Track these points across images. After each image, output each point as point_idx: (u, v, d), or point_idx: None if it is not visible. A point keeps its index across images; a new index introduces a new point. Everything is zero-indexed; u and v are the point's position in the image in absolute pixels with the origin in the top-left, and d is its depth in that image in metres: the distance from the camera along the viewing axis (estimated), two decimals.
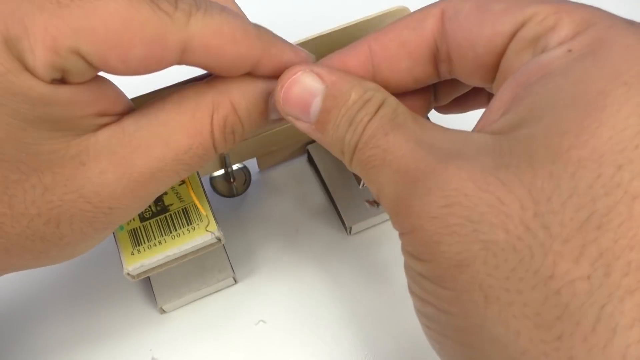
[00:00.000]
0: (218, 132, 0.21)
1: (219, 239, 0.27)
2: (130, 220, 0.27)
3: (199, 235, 0.27)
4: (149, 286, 0.33)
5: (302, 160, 0.37)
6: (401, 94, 0.23)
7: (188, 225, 0.27)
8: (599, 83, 0.15)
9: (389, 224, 0.35)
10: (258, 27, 0.21)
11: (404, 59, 0.21)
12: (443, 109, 0.26)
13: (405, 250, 0.18)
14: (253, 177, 0.36)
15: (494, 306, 0.15)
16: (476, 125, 0.19)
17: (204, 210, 0.27)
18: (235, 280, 0.33)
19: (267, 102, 0.22)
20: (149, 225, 0.27)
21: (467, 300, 0.16)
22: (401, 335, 0.31)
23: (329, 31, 0.28)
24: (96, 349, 0.32)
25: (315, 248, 0.34)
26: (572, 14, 0.17)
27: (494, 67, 0.20)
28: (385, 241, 0.34)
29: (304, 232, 0.35)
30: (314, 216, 0.35)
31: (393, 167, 0.18)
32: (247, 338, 0.32)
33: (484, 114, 0.19)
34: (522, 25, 0.18)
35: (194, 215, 0.27)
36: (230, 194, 0.35)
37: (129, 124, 0.20)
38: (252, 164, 0.36)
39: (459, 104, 0.25)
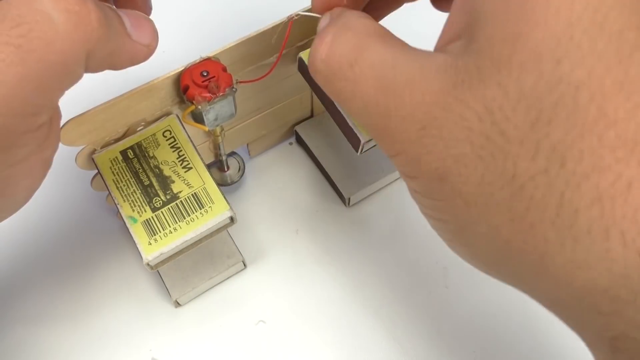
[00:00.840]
0: None
1: (232, 219, 0.28)
2: (142, 212, 0.27)
3: (213, 217, 0.27)
4: (150, 286, 0.33)
5: (290, 143, 0.38)
6: None
7: (201, 209, 0.27)
8: None
9: (386, 193, 0.36)
10: None
11: None
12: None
13: (399, 170, 0.20)
14: (245, 164, 0.37)
15: (473, 209, 0.17)
16: (439, 38, 0.20)
17: (214, 192, 0.27)
18: (244, 265, 0.33)
19: None
20: (161, 215, 0.27)
21: (452, 207, 0.18)
22: (402, 335, 0.32)
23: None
24: (96, 349, 0.32)
25: (316, 235, 0.35)
26: None
27: None
28: (385, 213, 0.35)
29: (304, 218, 0.35)
30: (311, 196, 0.36)
31: (364, 100, 0.19)
32: (247, 338, 0.32)
33: (444, 25, 0.20)
34: None
35: (205, 199, 0.27)
36: (225, 183, 0.36)
37: None
38: (241, 151, 0.37)
39: None
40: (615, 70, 0.15)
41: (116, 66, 0.23)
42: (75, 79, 0.21)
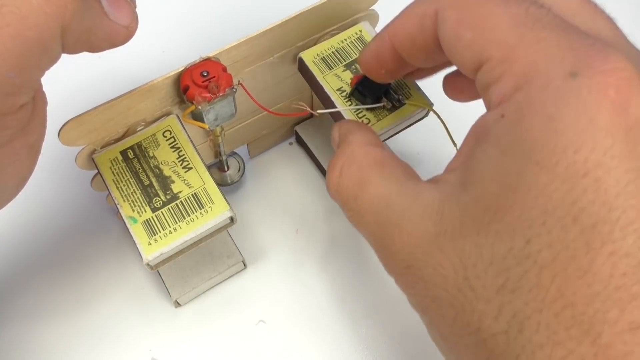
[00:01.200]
0: None
1: (232, 219, 0.28)
2: (142, 212, 0.27)
3: (213, 217, 0.27)
4: (150, 285, 0.33)
5: (290, 143, 0.38)
6: None
7: (201, 209, 0.27)
8: (517, 162, 0.17)
9: None
10: None
11: (418, 51, 0.23)
12: (459, 96, 0.27)
13: None
14: (245, 164, 0.37)
15: (447, 344, 0.20)
16: (449, 163, 0.21)
17: (214, 192, 0.27)
18: (244, 265, 0.33)
19: None
20: (161, 215, 0.27)
21: (433, 335, 0.21)
22: (401, 335, 0.32)
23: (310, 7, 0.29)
24: (96, 348, 0.32)
25: (316, 235, 0.35)
26: (516, 64, 0.18)
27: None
28: None
29: (304, 218, 0.35)
30: (311, 196, 0.36)
31: (366, 229, 0.22)
32: (247, 338, 0.32)
33: (456, 154, 0.21)
34: (480, 66, 0.19)
35: (205, 199, 0.27)
36: (225, 183, 0.36)
37: None
38: (241, 151, 0.37)
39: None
40: (580, 260, 0.16)
41: (94, 46, 0.22)
42: (53, 57, 0.21)
